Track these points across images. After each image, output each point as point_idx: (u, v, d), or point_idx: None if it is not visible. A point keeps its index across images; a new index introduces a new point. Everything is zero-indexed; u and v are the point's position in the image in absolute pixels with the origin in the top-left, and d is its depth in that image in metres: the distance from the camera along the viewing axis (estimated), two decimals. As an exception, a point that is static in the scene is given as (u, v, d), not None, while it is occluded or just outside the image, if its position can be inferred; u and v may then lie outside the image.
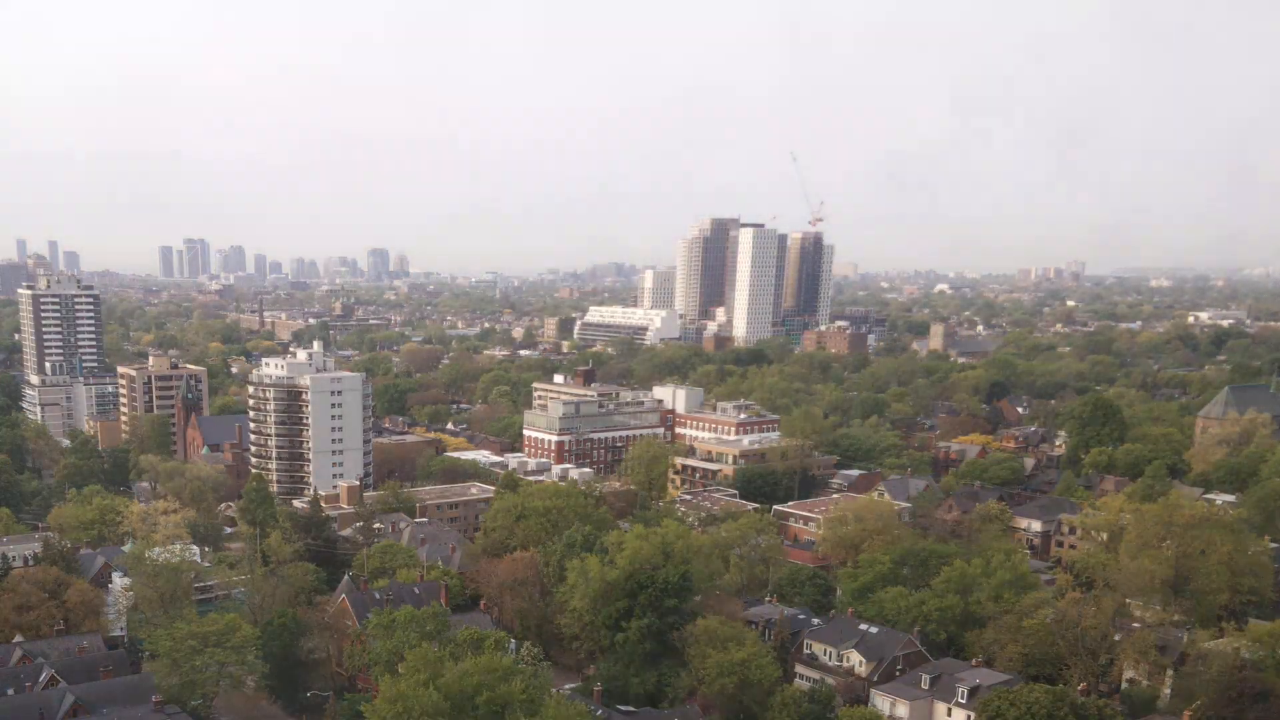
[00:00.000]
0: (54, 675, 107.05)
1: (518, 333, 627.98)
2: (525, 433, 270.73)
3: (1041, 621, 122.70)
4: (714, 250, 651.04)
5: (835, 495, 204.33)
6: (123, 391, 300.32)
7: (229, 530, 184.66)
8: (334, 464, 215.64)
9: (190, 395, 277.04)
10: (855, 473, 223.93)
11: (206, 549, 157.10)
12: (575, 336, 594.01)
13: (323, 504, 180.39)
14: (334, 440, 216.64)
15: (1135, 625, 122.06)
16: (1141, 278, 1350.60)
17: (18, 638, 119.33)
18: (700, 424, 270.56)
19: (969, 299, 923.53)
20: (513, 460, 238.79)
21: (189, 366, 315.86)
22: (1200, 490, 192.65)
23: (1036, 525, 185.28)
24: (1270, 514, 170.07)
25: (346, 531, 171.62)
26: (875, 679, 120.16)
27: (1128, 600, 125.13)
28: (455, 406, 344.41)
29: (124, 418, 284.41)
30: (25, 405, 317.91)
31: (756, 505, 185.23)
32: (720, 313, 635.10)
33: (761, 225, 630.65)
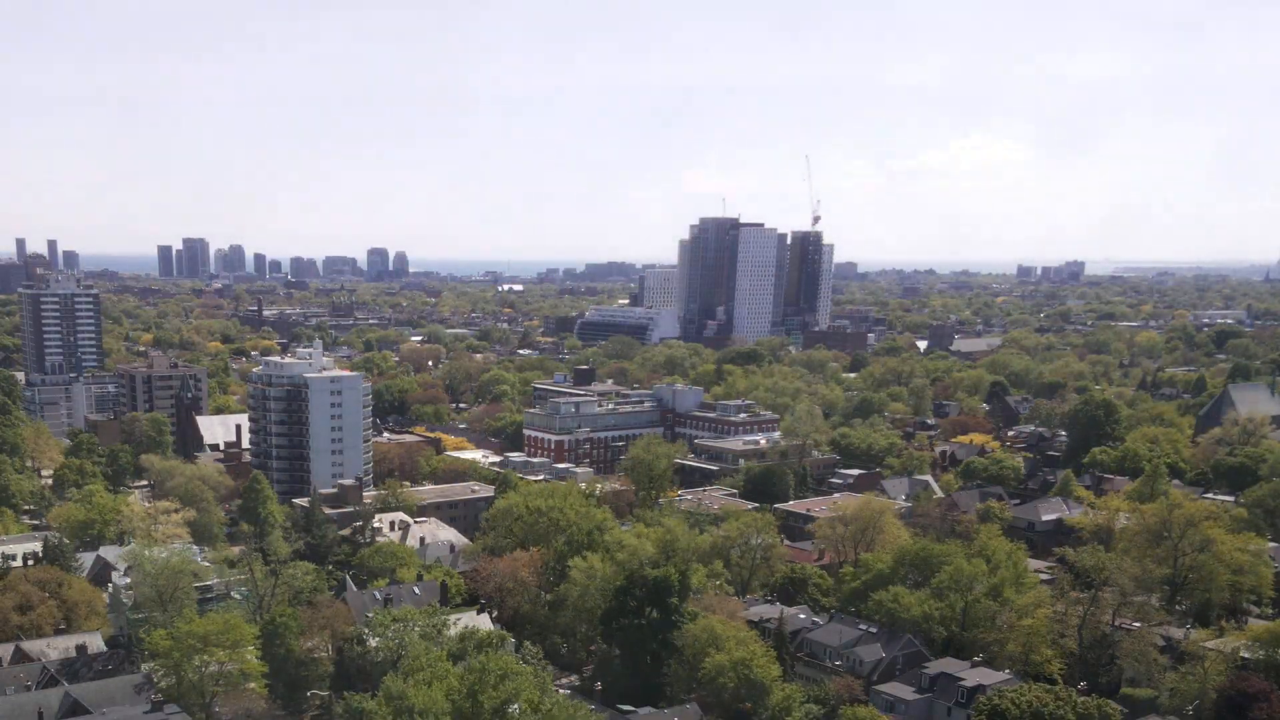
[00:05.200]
0: (53, 675, 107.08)
1: (517, 332, 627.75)
2: (525, 432, 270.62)
3: (1041, 621, 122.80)
4: (714, 249, 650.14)
5: (835, 495, 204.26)
6: (122, 391, 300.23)
7: (229, 529, 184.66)
8: (334, 463, 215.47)
9: (189, 394, 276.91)
10: (855, 472, 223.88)
11: (206, 548, 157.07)
12: (575, 335, 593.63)
13: (322, 503, 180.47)
14: (334, 439, 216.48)
15: (1135, 625, 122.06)
16: (1141, 276, 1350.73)
17: (17, 637, 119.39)
18: (700, 423, 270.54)
19: (969, 298, 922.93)
20: (513, 460, 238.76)
21: (188, 366, 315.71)
22: (1200, 490, 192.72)
23: (1036, 524, 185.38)
24: (1270, 514, 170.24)
25: (346, 531, 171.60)
26: (875, 679, 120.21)
27: (1128, 600, 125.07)
28: (455, 406, 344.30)
29: (123, 417, 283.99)
30: (25, 404, 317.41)
31: (756, 505, 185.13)
32: (720, 312, 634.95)
33: (761, 225, 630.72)
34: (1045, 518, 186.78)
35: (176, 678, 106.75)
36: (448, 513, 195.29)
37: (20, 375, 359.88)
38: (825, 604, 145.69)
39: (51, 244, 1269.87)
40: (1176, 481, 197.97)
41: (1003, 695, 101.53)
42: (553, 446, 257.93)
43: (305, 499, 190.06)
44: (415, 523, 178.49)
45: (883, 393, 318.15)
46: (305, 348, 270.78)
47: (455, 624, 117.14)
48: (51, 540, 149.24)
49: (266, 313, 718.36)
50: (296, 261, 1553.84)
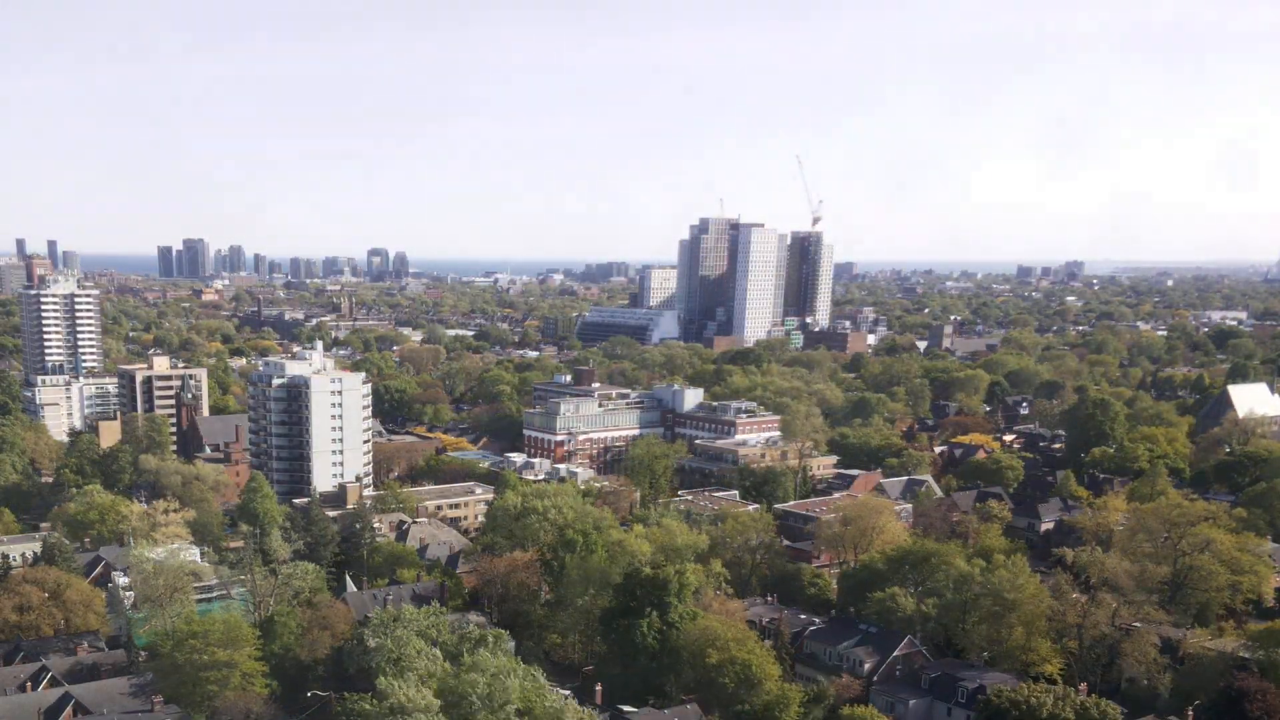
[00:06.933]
0: (54, 675, 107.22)
1: (517, 332, 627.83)
2: (525, 433, 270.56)
3: (1041, 621, 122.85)
4: (714, 249, 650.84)
5: (835, 495, 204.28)
6: (122, 391, 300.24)
7: (229, 530, 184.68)
8: (334, 464, 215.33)
9: (189, 395, 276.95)
10: (855, 473, 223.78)
11: (206, 548, 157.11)
12: (575, 336, 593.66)
13: (322, 503, 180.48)
14: (334, 440, 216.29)
15: (1135, 625, 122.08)
16: (1141, 276, 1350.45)
17: (17, 637, 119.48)
18: (700, 423, 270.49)
19: (969, 298, 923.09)
20: (512, 460, 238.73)
21: (188, 366, 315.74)
22: (1199, 490, 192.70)
23: (1036, 525, 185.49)
24: (1270, 514, 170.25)
25: (346, 531, 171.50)
26: (875, 679, 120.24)
27: (1127, 600, 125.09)
28: (455, 406, 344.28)
29: (123, 417, 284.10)
30: (24, 404, 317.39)
31: (756, 505, 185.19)
32: (720, 312, 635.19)
33: (761, 225, 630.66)
34: (1045, 518, 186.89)
35: (176, 678, 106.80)
36: (447, 513, 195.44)
37: (20, 375, 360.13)
38: (825, 604, 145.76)
39: (51, 244, 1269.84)
40: (1176, 481, 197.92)
41: (1002, 695, 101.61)
42: (552, 446, 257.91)
43: (305, 499, 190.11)
44: (414, 523, 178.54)
45: (882, 393, 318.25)
46: (305, 348, 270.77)
47: (454, 624, 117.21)
48: (51, 540, 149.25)
49: (266, 313, 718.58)
50: (296, 262, 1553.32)
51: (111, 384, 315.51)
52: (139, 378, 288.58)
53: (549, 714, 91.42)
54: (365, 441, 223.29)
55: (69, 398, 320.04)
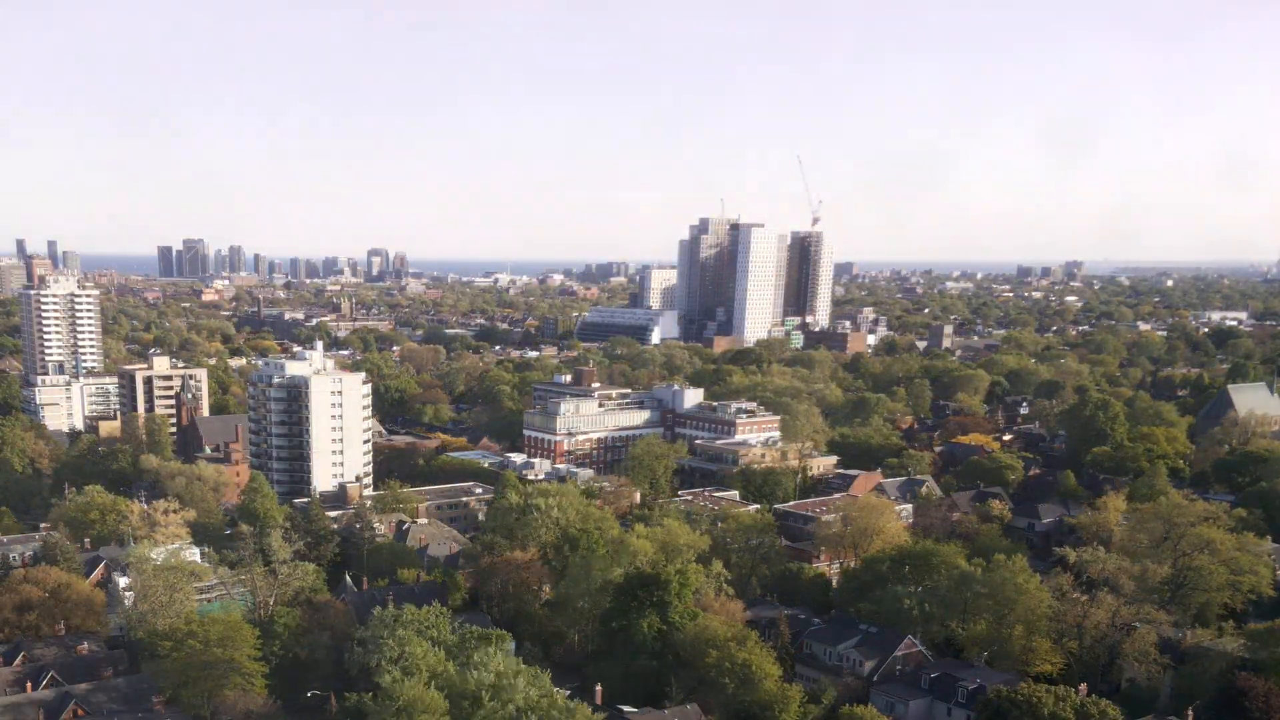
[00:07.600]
0: (54, 675, 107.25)
1: (517, 332, 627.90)
2: (525, 433, 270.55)
3: (1041, 621, 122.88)
4: (714, 250, 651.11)
5: (835, 495, 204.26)
6: (122, 391, 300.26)
7: (229, 530, 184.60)
8: (334, 464, 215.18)
9: (189, 395, 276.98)
10: (855, 473, 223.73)
11: (206, 549, 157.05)
12: (575, 336, 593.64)
13: (322, 503, 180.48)
14: (334, 440, 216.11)
15: (1135, 625, 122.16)
16: (1141, 276, 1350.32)
17: (17, 637, 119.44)
18: (700, 423, 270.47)
19: (969, 298, 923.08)
20: (512, 460, 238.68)
21: (188, 367, 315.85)
22: (1199, 490, 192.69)
23: (1036, 525, 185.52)
24: (1270, 514, 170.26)
25: (346, 531, 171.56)
26: (875, 679, 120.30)
27: (1127, 600, 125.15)
28: (456, 406, 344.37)
29: (123, 417, 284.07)
30: (24, 404, 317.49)
31: (757, 505, 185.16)
32: (721, 312, 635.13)
33: (762, 225, 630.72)
34: (1045, 518, 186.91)
35: (176, 678, 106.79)
36: (448, 513, 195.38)
37: (20, 375, 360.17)
38: (825, 604, 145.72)
39: (51, 244, 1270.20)
40: (1176, 481, 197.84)
41: (1002, 695, 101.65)
42: (552, 446, 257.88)
43: (305, 499, 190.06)
44: (415, 523, 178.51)
45: (882, 393, 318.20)
46: (305, 348, 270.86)
47: (455, 624, 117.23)
48: (51, 540, 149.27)
49: (266, 313, 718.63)
50: (296, 262, 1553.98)
51: (111, 384, 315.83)
52: (139, 378, 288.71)
53: (550, 714, 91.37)
54: (365, 441, 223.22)
55: (69, 398, 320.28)
